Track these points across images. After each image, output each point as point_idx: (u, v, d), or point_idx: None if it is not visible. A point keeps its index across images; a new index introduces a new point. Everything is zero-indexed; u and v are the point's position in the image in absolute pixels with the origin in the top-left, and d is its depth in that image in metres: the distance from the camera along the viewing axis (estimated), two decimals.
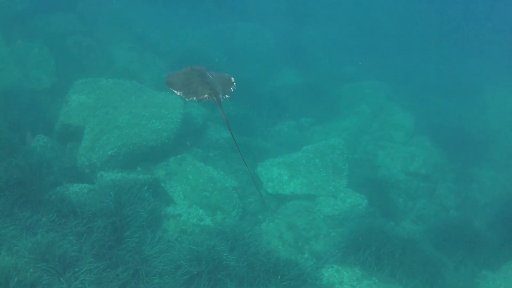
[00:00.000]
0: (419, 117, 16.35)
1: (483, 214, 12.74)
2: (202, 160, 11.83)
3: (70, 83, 12.29)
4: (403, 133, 15.44)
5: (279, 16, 24.23)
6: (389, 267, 9.71)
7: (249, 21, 23.02)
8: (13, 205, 8.49)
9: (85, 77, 12.42)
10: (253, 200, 11.54)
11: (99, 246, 8.48)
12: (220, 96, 6.06)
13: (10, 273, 7.16)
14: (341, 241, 10.26)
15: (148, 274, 8.44)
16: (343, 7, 26.01)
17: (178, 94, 6.11)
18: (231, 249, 9.37)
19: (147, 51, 17.09)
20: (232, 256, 9.06)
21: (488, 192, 13.44)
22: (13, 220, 8.31)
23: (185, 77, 6.23)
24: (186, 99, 6.04)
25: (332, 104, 17.17)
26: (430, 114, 17.19)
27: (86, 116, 11.17)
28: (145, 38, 18.27)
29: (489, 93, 18.54)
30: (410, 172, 13.72)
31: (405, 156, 14.06)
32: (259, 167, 12.27)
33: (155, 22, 20.02)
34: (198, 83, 6.08)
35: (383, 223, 11.14)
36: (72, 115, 11.18)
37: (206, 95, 5.95)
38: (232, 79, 6.52)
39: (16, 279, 7.09)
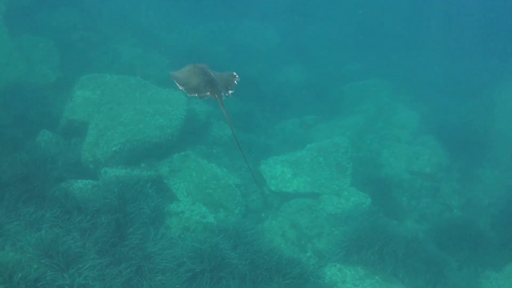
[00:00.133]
0: (423, 116, 16.30)
1: (487, 214, 12.71)
2: (206, 157, 11.83)
3: (75, 78, 12.30)
4: (408, 131, 15.40)
5: (283, 13, 24.20)
6: (392, 266, 9.71)
7: (253, 18, 23.03)
8: (17, 200, 8.53)
9: (90, 72, 12.43)
10: (256, 197, 11.55)
11: (103, 242, 8.51)
12: (222, 94, 6.05)
13: (14, 269, 7.18)
14: (344, 240, 10.26)
15: (151, 271, 8.45)
16: (348, 4, 25.91)
17: (181, 88, 6.11)
18: (234, 247, 9.38)
19: (151, 47, 17.09)
20: (235, 254, 9.06)
21: (493, 192, 13.38)
22: (17, 216, 8.35)
23: (188, 74, 6.23)
24: (188, 95, 6.04)
25: (336, 101, 17.15)
26: (435, 113, 17.13)
27: (90, 111, 11.19)
28: (149, 34, 18.28)
29: (494, 92, 18.43)
30: (414, 171, 13.67)
31: (409, 155, 14.00)
32: (262, 164, 12.26)
33: (160, 17, 20.04)
34: (200, 80, 6.09)
35: (386, 222, 11.17)
36: (77, 110, 11.20)
37: (208, 93, 5.95)
38: (235, 73, 6.50)
39: (20, 275, 7.10)
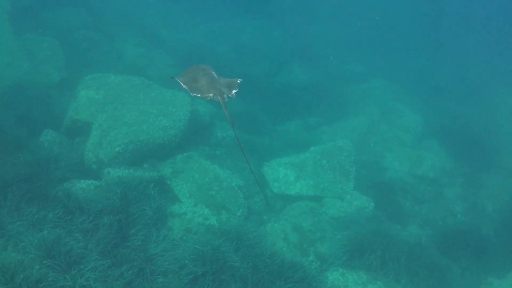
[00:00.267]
0: (428, 119, 16.29)
1: (491, 221, 12.69)
2: (209, 159, 11.81)
3: (79, 77, 12.28)
4: (412, 135, 15.39)
5: (288, 13, 24.17)
6: (394, 271, 9.69)
7: (258, 18, 22.99)
8: (20, 200, 8.48)
9: (93, 72, 12.41)
10: (259, 199, 11.52)
11: (105, 243, 8.49)
12: (225, 96, 6.05)
13: (16, 269, 7.16)
14: (347, 244, 10.23)
15: (153, 273, 8.42)
16: (354, 5, 25.90)
17: (184, 87, 6.12)
18: (236, 249, 9.35)
19: (155, 47, 17.08)
20: (237, 257, 9.04)
21: (497, 198, 13.36)
22: (20, 216, 8.31)
23: (192, 75, 6.23)
24: (191, 94, 6.04)
25: (340, 103, 17.11)
26: (440, 116, 17.11)
27: (94, 112, 11.16)
28: (153, 33, 18.27)
29: (500, 97, 18.39)
30: (418, 176, 13.66)
31: (413, 159, 13.99)
32: (265, 166, 12.24)
33: (164, 17, 20.04)
34: (204, 82, 6.11)
35: (389, 227, 11.14)
36: (80, 110, 11.18)
37: (211, 94, 5.95)
38: (239, 81, 6.49)
39: (22, 276, 7.08)
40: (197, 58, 13.82)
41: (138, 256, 8.53)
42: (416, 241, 10.67)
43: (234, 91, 6.26)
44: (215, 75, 6.31)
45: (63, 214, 8.64)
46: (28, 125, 10.97)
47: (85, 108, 11.21)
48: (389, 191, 12.67)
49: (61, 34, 14.59)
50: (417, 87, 19.12)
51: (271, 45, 21.17)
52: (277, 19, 23.13)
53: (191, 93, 6.11)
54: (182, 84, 6.20)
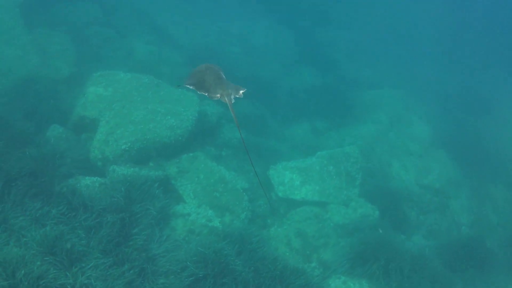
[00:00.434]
0: (436, 129, 16.20)
1: (495, 234, 12.61)
2: (215, 159, 11.77)
3: (88, 73, 12.27)
4: (420, 144, 15.30)
5: (300, 16, 24.13)
6: (396, 282, 9.63)
7: (270, 20, 22.96)
8: (24, 195, 8.44)
9: (103, 68, 12.41)
10: (263, 203, 11.46)
11: (107, 241, 8.45)
12: (232, 97, 6.02)
13: (17, 265, 7.13)
14: (350, 251, 10.18)
15: (154, 273, 8.39)
16: (366, 11, 25.81)
17: (191, 88, 6.10)
18: (238, 253, 9.32)
19: (166, 45, 17.05)
20: (239, 261, 9.00)
21: (502, 212, 13.29)
22: (23, 211, 8.27)
23: (200, 74, 6.21)
24: (198, 92, 6.02)
25: (349, 109, 17.04)
26: (448, 127, 17.01)
27: (102, 108, 11.15)
28: (164, 32, 18.24)
29: (509, 110, 18.27)
30: (424, 185, 13.58)
31: (419, 168, 13.93)
32: (271, 169, 12.19)
33: (176, 16, 20.01)
34: (211, 82, 6.10)
35: (394, 236, 11.08)
36: (88, 107, 11.17)
37: (218, 95, 5.93)
38: (242, 91, 6.44)
39: (23, 272, 7.05)
40: (208, 57, 13.77)
41: (140, 255, 8.51)
42: (420, 252, 10.61)
43: (241, 92, 6.22)
44: (223, 76, 6.28)
45: (67, 211, 8.61)
46: (36, 120, 10.94)
47: (93, 104, 11.20)
48: (395, 200, 12.57)
49: (73, 29, 14.58)
50: (427, 96, 19.01)
51: (281, 47, 21.14)
52: (289, 21, 23.09)
53: (198, 91, 6.08)
54: (189, 86, 6.18)
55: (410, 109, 17.19)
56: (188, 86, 6.24)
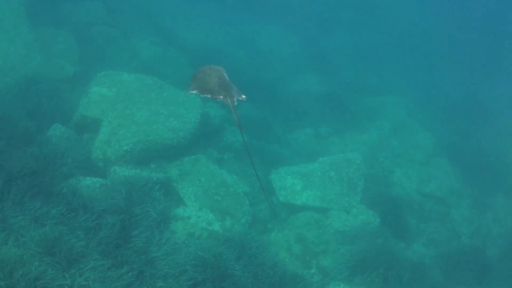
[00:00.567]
0: (439, 138, 16.16)
1: (496, 245, 12.56)
2: (216, 162, 11.74)
3: (92, 73, 12.26)
4: (422, 152, 15.26)
5: (305, 21, 24.10)
6: None
7: (275, 24, 22.94)
8: (24, 194, 8.41)
9: (107, 68, 12.40)
10: (264, 207, 11.42)
11: (106, 243, 8.42)
12: (235, 99, 6.00)
13: (15, 265, 7.10)
14: (350, 259, 10.13)
15: (153, 276, 8.34)
16: (371, 18, 25.79)
17: (194, 92, 6.08)
18: (238, 257, 9.27)
19: (171, 46, 17.04)
20: (238, 266, 8.96)
21: (503, 222, 13.23)
22: (23, 210, 8.25)
23: (203, 75, 6.19)
24: (201, 95, 6.00)
25: (352, 115, 16.99)
26: (451, 136, 16.98)
27: (105, 109, 11.14)
28: (169, 33, 18.23)
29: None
30: (425, 193, 13.53)
31: (421, 177, 13.87)
32: (273, 174, 12.14)
33: (181, 17, 20.00)
34: (215, 83, 6.06)
35: (394, 244, 11.02)
36: (91, 107, 11.16)
37: (221, 96, 5.91)
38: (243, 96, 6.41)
39: (20, 272, 7.02)
40: (212, 60, 13.75)
41: (139, 258, 8.47)
42: (419, 261, 10.54)
43: (244, 96, 6.19)
44: (227, 78, 6.25)
45: (67, 211, 8.58)
46: (38, 118, 10.94)
47: (96, 104, 11.19)
48: (396, 207, 12.50)
49: (78, 28, 14.57)
50: (430, 104, 19.00)
51: (286, 51, 21.11)
52: (295, 26, 23.07)
53: (201, 94, 6.05)
54: (193, 91, 6.15)
55: (413, 116, 17.14)
56: (193, 91, 6.20)
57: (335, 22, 25.34)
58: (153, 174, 10.40)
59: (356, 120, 16.63)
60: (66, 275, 7.49)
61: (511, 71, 23.52)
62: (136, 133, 10.66)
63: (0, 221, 7.88)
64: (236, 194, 10.90)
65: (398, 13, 27.10)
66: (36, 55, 12.50)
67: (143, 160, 10.76)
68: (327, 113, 16.74)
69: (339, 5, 26.83)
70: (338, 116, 16.53)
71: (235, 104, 6.04)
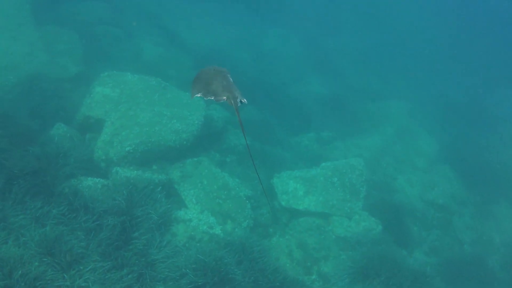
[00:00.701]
0: (443, 144, 16.10)
1: (498, 254, 12.46)
2: (219, 165, 11.68)
3: (95, 73, 12.22)
4: (425, 159, 15.20)
5: (309, 24, 24.08)
6: None
7: (279, 26, 22.91)
8: (25, 194, 8.37)
9: (111, 68, 12.35)
10: (266, 211, 11.36)
11: (106, 245, 8.37)
12: (238, 100, 5.95)
13: (15, 265, 7.07)
14: (351, 266, 10.06)
15: (153, 279, 8.30)
16: (375, 22, 25.76)
17: (199, 95, 6.02)
18: (238, 262, 9.21)
19: (175, 47, 17.00)
20: (239, 270, 8.90)
21: (505, 231, 13.14)
22: (24, 209, 8.20)
23: (207, 76, 6.14)
24: (204, 98, 5.94)
25: (355, 119, 16.95)
26: (455, 142, 16.90)
27: (108, 109, 11.08)
28: (173, 33, 18.19)
29: None
30: (428, 201, 13.46)
31: (424, 183, 13.81)
32: (275, 178, 12.08)
33: (186, 18, 19.97)
34: (218, 84, 6.00)
35: (395, 252, 10.95)
36: (94, 107, 11.10)
37: (225, 97, 5.86)
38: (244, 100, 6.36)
39: (20, 272, 6.98)
40: (216, 61, 13.71)
41: (139, 260, 8.41)
42: (421, 269, 10.45)
43: (244, 100, 6.14)
44: (230, 79, 6.19)
45: (67, 211, 8.54)
46: (41, 117, 10.89)
47: (99, 105, 11.14)
48: (398, 214, 12.45)
49: (82, 28, 14.52)
50: (434, 110, 18.94)
51: (290, 54, 21.07)
52: (299, 29, 23.04)
53: (204, 98, 5.99)
54: (197, 95, 6.09)
55: (417, 122, 17.09)
56: (197, 95, 6.14)
57: (338, 25, 25.34)
58: (155, 175, 10.35)
59: (359, 124, 16.59)
60: (65, 276, 7.44)
61: None
62: (138, 134, 10.61)
63: (1, 220, 7.83)
64: (238, 197, 10.84)
65: (402, 17, 27.08)
66: (40, 54, 12.43)
67: (145, 162, 10.70)
68: (330, 117, 16.69)
69: (342, 8, 26.83)
70: (341, 120, 16.49)
71: (239, 105, 5.99)
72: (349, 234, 11.15)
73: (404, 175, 14.15)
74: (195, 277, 8.40)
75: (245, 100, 5.98)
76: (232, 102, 5.85)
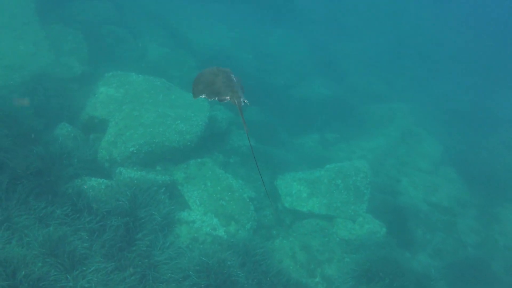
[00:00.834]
0: (447, 146, 16.03)
1: (502, 257, 12.39)
2: (222, 167, 11.66)
3: (100, 73, 12.23)
4: (429, 161, 15.14)
5: (314, 26, 24.05)
6: None
7: (284, 27, 22.88)
8: (29, 194, 8.35)
9: (115, 68, 12.35)
10: (269, 213, 11.32)
11: (110, 246, 8.37)
12: (242, 99, 5.95)
13: (18, 265, 7.05)
14: (355, 268, 10.01)
15: (155, 281, 8.27)
16: (380, 24, 25.72)
17: (203, 96, 6.02)
18: (242, 264, 9.19)
19: (179, 47, 16.98)
20: (242, 273, 8.87)
21: (509, 234, 13.07)
22: (27, 209, 8.18)
23: (210, 77, 6.14)
24: (208, 99, 5.94)
25: (359, 121, 16.91)
26: (459, 145, 16.86)
27: (112, 110, 11.07)
28: (179, 34, 18.17)
29: None
30: (432, 203, 13.40)
31: (428, 186, 13.76)
32: (279, 180, 12.04)
33: (190, 18, 19.93)
34: (221, 83, 6.02)
35: (399, 254, 10.91)
36: (98, 107, 11.10)
37: (228, 97, 5.86)
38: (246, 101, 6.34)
39: (23, 272, 6.97)
40: (220, 62, 13.71)
41: (142, 262, 8.40)
42: (425, 271, 10.42)
43: (246, 101, 6.13)
44: (234, 78, 6.19)
45: (71, 212, 8.52)
46: (45, 117, 10.87)
47: (104, 105, 11.13)
48: (402, 217, 12.40)
49: (87, 27, 14.50)
50: (439, 112, 18.88)
51: (294, 56, 21.03)
52: (303, 30, 23.01)
53: (208, 99, 5.99)
54: (201, 96, 6.08)
55: (421, 125, 17.02)
56: (201, 96, 6.13)
57: (343, 27, 25.28)
58: (159, 176, 10.33)
59: (364, 126, 16.55)
60: (68, 276, 7.43)
61: None
62: (142, 135, 10.59)
63: (5, 219, 7.82)
64: (242, 199, 10.81)
65: (407, 19, 27.03)
66: (45, 53, 12.42)
67: (149, 162, 10.69)
68: (334, 119, 16.66)
69: (347, 10, 26.79)
70: (345, 122, 16.46)
71: (242, 105, 5.98)
72: (353, 237, 11.11)
73: (408, 177, 14.10)
74: (198, 279, 8.38)
75: (247, 101, 5.97)
76: (236, 101, 5.85)
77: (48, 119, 10.87)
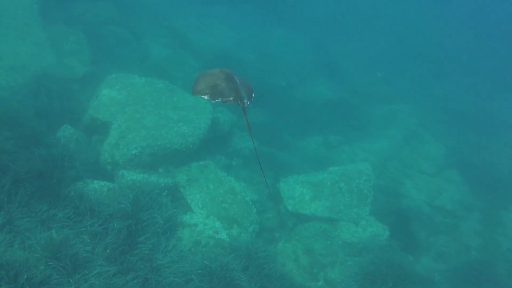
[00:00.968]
0: (450, 149, 15.98)
1: (506, 260, 12.32)
2: (225, 169, 11.62)
3: (103, 74, 12.18)
4: (433, 164, 15.09)
5: (317, 26, 24.03)
6: None
7: (286, 28, 22.86)
8: (31, 196, 8.30)
9: (118, 69, 12.32)
10: (272, 215, 11.28)
11: (112, 249, 8.33)
12: (245, 101, 5.92)
13: (20, 269, 7.02)
14: (358, 272, 9.96)
15: (158, 284, 8.24)
16: (382, 25, 25.69)
17: (206, 97, 5.98)
18: (244, 268, 9.14)
19: (182, 49, 16.96)
20: (245, 277, 8.83)
21: None
22: (29, 212, 8.14)
23: (214, 78, 6.11)
24: (212, 101, 5.90)
25: (362, 124, 16.86)
26: (462, 147, 16.79)
27: (114, 112, 11.03)
28: (181, 35, 18.15)
29: None
30: (435, 206, 13.35)
31: (432, 189, 13.71)
32: (281, 182, 11.98)
33: (193, 19, 19.91)
34: (225, 85, 5.99)
35: (403, 257, 10.85)
36: (101, 109, 11.05)
37: (231, 98, 5.84)
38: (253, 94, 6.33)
39: (25, 276, 6.94)
40: (223, 63, 13.68)
41: (144, 265, 8.36)
42: (428, 275, 10.36)
43: (249, 102, 6.11)
44: (237, 79, 6.16)
45: (73, 215, 8.49)
46: (47, 119, 10.83)
47: (106, 107, 11.08)
48: (405, 220, 12.35)
49: (89, 28, 14.49)
50: (442, 114, 18.82)
51: (297, 57, 21.00)
52: (306, 31, 22.98)
53: (212, 100, 5.96)
54: (203, 96, 6.05)
55: (425, 127, 16.97)
56: (204, 97, 6.09)
57: (346, 29, 25.25)
58: (161, 179, 10.29)
59: (367, 128, 16.50)
60: (71, 280, 7.40)
61: None
62: (145, 137, 10.56)
63: (7, 222, 7.77)
64: (244, 202, 10.77)
65: (410, 21, 26.98)
66: (47, 54, 12.38)
67: (151, 165, 10.66)
68: (337, 121, 16.61)
69: (348, 11, 26.77)
70: (348, 124, 16.40)
71: (245, 106, 5.96)
72: (356, 240, 11.05)
73: (411, 180, 14.04)
74: (200, 282, 8.35)
75: (249, 102, 5.94)
76: (239, 102, 5.83)
77: (51, 121, 10.82)
